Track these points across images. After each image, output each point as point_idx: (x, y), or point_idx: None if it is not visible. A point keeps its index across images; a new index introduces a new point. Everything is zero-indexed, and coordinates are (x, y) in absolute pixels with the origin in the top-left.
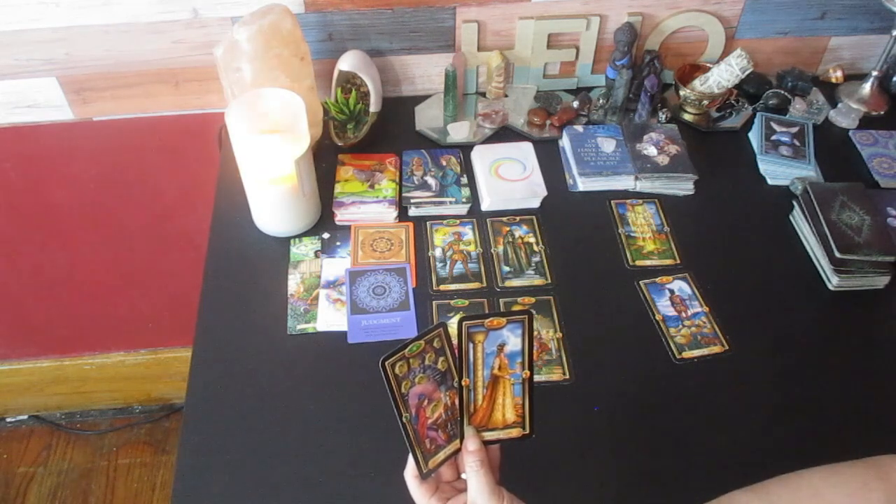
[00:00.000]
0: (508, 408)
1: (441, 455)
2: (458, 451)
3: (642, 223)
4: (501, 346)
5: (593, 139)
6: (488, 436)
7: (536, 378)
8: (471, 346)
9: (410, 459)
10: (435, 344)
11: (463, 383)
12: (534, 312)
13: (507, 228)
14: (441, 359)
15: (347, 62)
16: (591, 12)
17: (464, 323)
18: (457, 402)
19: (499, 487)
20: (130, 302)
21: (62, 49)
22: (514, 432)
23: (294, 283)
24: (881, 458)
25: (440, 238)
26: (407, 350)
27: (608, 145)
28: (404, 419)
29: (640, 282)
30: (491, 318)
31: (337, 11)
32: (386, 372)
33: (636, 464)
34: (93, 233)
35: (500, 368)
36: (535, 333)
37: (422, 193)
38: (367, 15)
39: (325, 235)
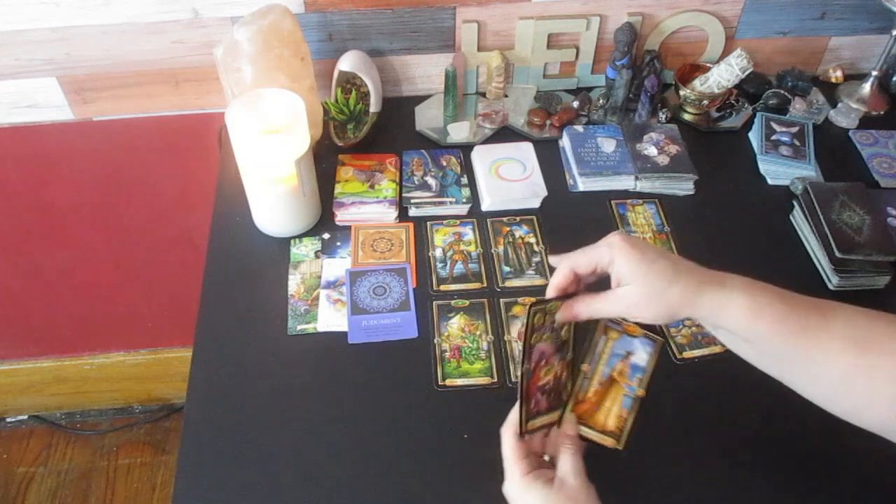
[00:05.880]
0: (613, 415)
1: (538, 422)
2: (553, 424)
3: (642, 223)
4: (628, 354)
5: (593, 139)
6: (583, 432)
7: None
8: (603, 338)
9: (511, 415)
10: None
11: (582, 368)
12: (663, 341)
13: (508, 228)
14: (565, 328)
15: (347, 62)
16: (591, 12)
17: (602, 318)
18: (565, 374)
19: (588, 480)
20: (130, 302)
21: (62, 49)
22: (608, 440)
23: (294, 284)
24: None
25: (440, 238)
26: (549, 305)
27: (608, 145)
28: (523, 369)
29: None
30: (628, 323)
31: (337, 11)
32: (530, 315)
33: (635, 464)
34: (93, 233)
35: (619, 373)
36: None
37: (422, 194)
38: (367, 15)
39: (326, 236)
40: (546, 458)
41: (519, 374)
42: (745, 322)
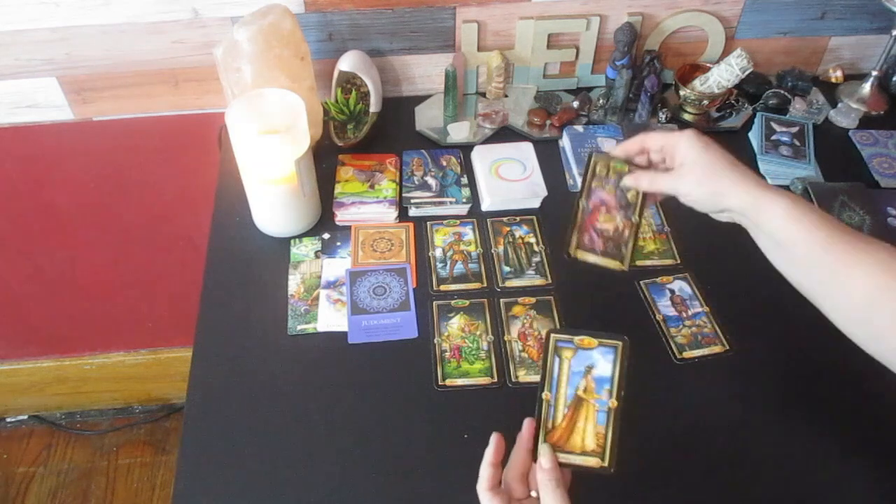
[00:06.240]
0: (589, 434)
1: (590, 258)
2: (612, 267)
3: (642, 223)
4: (590, 368)
5: (593, 139)
6: (564, 458)
7: (537, 379)
8: (557, 360)
9: (483, 471)
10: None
11: (543, 397)
12: (627, 340)
13: (508, 228)
14: (632, 192)
15: (347, 62)
16: (591, 12)
17: (552, 335)
18: (628, 233)
19: None
20: (130, 302)
21: (62, 49)
22: (592, 462)
23: (294, 284)
24: None
25: (440, 238)
26: (614, 161)
27: (608, 145)
28: (581, 203)
29: (641, 282)
30: (581, 337)
31: (337, 11)
32: (590, 161)
33: (635, 464)
34: (93, 233)
35: (585, 391)
36: (536, 334)
37: (422, 194)
38: (367, 15)
39: (326, 236)
40: (533, 493)
41: (575, 204)
42: (784, 223)
